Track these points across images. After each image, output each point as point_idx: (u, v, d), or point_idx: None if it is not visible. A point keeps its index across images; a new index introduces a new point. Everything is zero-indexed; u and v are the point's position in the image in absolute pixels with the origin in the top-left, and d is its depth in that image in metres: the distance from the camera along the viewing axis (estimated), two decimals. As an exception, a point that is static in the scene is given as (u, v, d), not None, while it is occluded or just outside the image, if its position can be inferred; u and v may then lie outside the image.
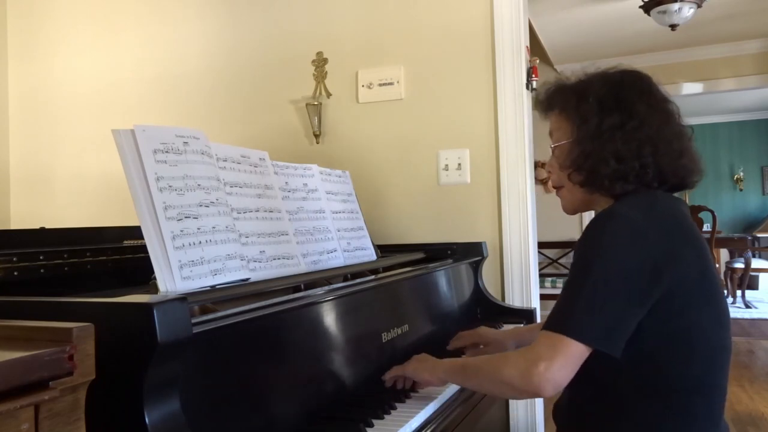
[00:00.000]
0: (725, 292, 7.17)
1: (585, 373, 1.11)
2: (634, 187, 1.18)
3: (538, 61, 2.38)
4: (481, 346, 1.62)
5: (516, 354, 1.16)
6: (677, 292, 1.08)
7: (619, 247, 1.08)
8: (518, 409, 2.25)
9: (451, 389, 1.38)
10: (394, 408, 1.23)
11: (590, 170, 1.21)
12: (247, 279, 1.21)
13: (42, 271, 1.35)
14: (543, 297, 2.77)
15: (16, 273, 1.29)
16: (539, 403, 2.29)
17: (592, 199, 1.27)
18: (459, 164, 2.33)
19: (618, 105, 1.20)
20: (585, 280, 1.09)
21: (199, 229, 1.12)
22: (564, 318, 1.09)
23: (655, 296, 1.07)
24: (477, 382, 1.23)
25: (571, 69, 1.35)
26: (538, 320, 2.17)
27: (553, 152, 1.31)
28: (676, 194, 1.25)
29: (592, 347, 1.07)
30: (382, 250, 1.95)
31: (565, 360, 1.06)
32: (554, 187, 1.34)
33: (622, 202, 1.17)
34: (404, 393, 1.31)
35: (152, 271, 1.05)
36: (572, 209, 1.33)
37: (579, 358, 1.08)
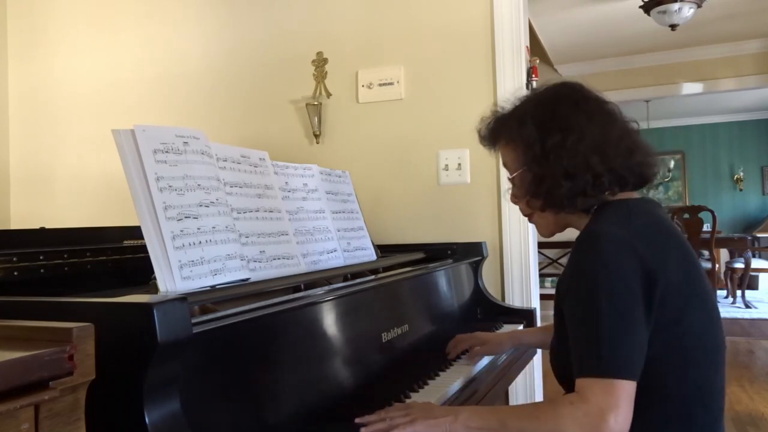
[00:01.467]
0: (725, 292, 7.18)
1: None
2: (596, 199, 1.17)
3: (538, 61, 2.39)
4: (477, 348, 1.61)
5: (570, 407, 1.01)
6: (669, 296, 1.06)
7: (615, 269, 1.05)
8: (518, 409, 2.24)
9: (454, 387, 1.38)
10: (394, 408, 1.23)
11: (546, 193, 1.20)
12: (247, 279, 1.21)
13: (42, 271, 1.35)
14: (543, 297, 2.77)
15: (16, 273, 1.29)
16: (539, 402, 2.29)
17: (564, 218, 1.25)
18: (459, 164, 2.33)
19: (556, 122, 1.18)
20: (599, 314, 1.03)
21: (199, 229, 1.12)
22: (602, 358, 1.01)
23: (655, 305, 1.05)
24: None
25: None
26: (538, 320, 2.17)
27: (513, 183, 1.30)
28: (645, 194, 1.24)
29: (635, 380, 1.02)
30: (382, 250, 1.95)
31: (628, 405, 0.99)
32: (525, 215, 1.32)
33: (599, 220, 1.15)
34: (404, 393, 1.30)
35: (152, 271, 1.05)
36: (549, 233, 1.30)
37: (633, 397, 1.01)
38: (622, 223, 1.11)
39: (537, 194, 1.22)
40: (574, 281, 1.10)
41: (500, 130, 1.30)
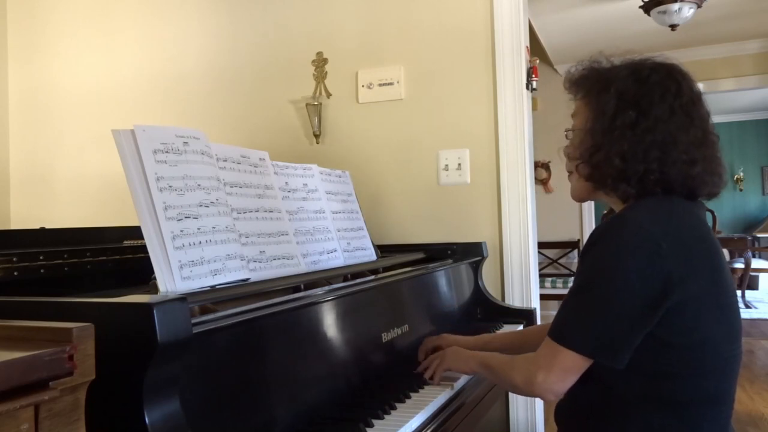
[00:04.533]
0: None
1: (591, 376, 1.10)
2: (636, 191, 1.15)
3: (538, 61, 2.39)
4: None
5: (523, 359, 1.19)
6: (689, 304, 1.05)
7: (630, 260, 1.05)
8: (518, 408, 2.25)
9: (459, 383, 1.41)
10: (394, 408, 1.23)
11: (596, 166, 1.18)
12: (247, 279, 1.21)
13: (42, 271, 1.34)
14: (543, 297, 2.77)
15: (16, 273, 1.29)
16: (539, 402, 2.29)
17: (599, 195, 1.24)
18: (459, 164, 2.33)
19: (636, 102, 1.15)
20: (591, 291, 1.08)
21: (199, 229, 1.12)
22: (565, 327, 1.11)
23: (665, 308, 1.04)
24: (496, 380, 1.32)
25: (599, 58, 1.27)
26: (538, 320, 2.18)
27: (570, 138, 1.28)
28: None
29: (592, 358, 1.08)
30: (382, 250, 1.95)
31: (562, 372, 1.10)
32: (567, 170, 1.30)
33: (638, 208, 1.13)
34: (404, 393, 1.31)
35: (152, 271, 1.05)
36: (578, 198, 1.30)
37: (578, 368, 1.10)
38: (660, 219, 1.09)
39: (588, 162, 1.20)
40: (589, 255, 1.12)
41: (584, 83, 1.26)
